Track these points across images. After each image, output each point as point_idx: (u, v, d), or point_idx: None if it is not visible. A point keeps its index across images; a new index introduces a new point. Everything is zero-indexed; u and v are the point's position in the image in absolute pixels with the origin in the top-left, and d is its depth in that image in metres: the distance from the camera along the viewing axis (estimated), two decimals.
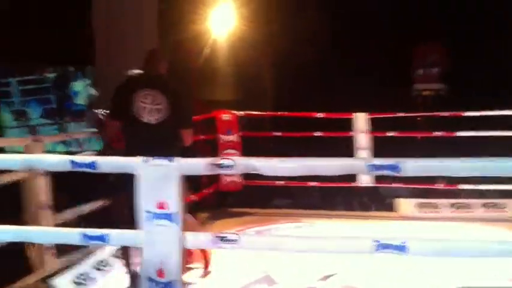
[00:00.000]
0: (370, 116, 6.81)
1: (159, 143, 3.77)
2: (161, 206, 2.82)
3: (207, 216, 6.43)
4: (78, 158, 2.79)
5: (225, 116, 7.00)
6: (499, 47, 8.94)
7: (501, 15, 9.10)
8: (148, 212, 2.83)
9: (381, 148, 6.61)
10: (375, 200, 7.59)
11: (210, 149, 7.10)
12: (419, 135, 7.48)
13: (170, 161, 2.76)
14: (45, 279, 4.13)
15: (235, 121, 7.02)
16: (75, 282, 4.31)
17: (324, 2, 9.60)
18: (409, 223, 6.37)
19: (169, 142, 3.90)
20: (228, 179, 6.89)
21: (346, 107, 6.90)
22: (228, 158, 2.72)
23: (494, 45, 9.04)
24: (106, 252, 4.71)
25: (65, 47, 9.23)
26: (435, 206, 6.74)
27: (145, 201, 2.82)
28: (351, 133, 6.84)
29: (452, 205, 6.76)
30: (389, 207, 7.04)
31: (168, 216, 2.83)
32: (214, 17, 8.68)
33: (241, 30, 8.84)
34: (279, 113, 7.70)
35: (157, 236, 2.86)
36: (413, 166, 2.68)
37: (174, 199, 2.80)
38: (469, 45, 9.19)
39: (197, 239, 2.95)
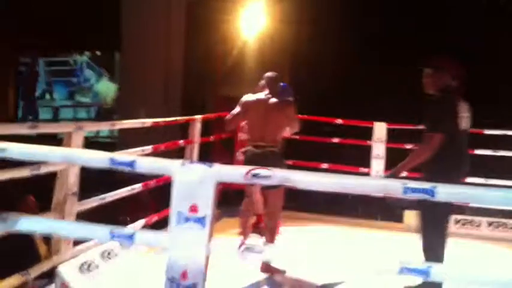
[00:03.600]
0: (389, 126, 6.85)
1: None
2: (193, 209, 2.84)
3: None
4: (118, 156, 2.81)
5: None
6: None
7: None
8: (180, 213, 2.86)
9: (395, 159, 6.65)
10: (382, 209, 7.64)
11: (223, 148, 7.18)
12: None
13: (209, 166, 2.79)
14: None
15: None
16: (80, 269, 4.36)
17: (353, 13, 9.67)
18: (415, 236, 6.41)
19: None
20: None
21: (364, 116, 6.95)
22: (266, 168, 2.75)
23: None
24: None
25: (93, 32, 9.27)
26: None
27: (179, 202, 2.84)
28: (369, 142, 6.87)
29: (458, 221, 6.80)
30: (396, 218, 7.10)
31: (198, 220, 2.85)
32: (243, 16, 8.69)
33: (269, 30, 8.87)
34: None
35: (185, 238, 2.88)
36: (448, 192, 2.71)
37: (207, 204, 2.82)
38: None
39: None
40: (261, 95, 4.91)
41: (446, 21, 9.70)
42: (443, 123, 4.02)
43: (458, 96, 4.17)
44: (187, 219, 2.86)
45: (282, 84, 5.17)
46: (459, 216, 6.81)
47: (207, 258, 2.82)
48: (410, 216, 6.82)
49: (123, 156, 2.83)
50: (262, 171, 2.77)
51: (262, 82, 5.07)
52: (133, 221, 5.28)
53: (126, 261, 4.81)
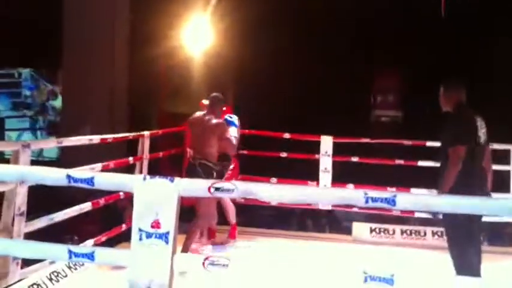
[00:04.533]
0: (335, 140, 6.94)
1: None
2: (156, 225, 2.80)
3: None
4: (75, 173, 2.73)
5: None
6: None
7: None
8: (141, 230, 2.81)
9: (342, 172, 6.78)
10: (331, 222, 7.74)
11: (169, 164, 7.13)
12: (382, 162, 7.57)
13: (171, 181, 2.75)
14: None
15: None
16: None
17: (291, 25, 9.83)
18: (363, 247, 6.54)
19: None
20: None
21: (311, 129, 7.05)
22: (229, 182, 2.74)
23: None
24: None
25: (35, 50, 9.07)
26: (389, 231, 6.91)
27: (140, 218, 2.79)
28: (317, 156, 6.94)
29: (404, 231, 6.94)
30: (345, 231, 7.20)
31: (161, 236, 2.81)
32: (187, 32, 8.67)
33: (215, 46, 8.89)
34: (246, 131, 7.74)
35: (149, 255, 2.83)
36: (408, 200, 2.77)
37: (170, 219, 2.79)
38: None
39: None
40: (202, 114, 5.47)
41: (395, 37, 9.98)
42: (463, 136, 4.12)
43: (475, 112, 4.28)
44: (149, 235, 2.81)
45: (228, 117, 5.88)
46: (404, 227, 6.95)
47: (172, 274, 2.78)
48: (358, 228, 6.97)
49: (81, 172, 2.76)
50: (225, 184, 2.76)
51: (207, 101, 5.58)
52: (81, 240, 5.14)
53: (75, 282, 4.66)
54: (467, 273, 3.83)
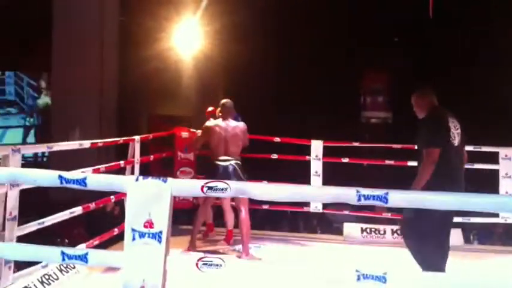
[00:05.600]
0: (325, 144, 6.96)
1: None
2: (149, 225, 2.79)
3: None
4: (68, 174, 2.72)
5: (184, 134, 7.01)
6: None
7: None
8: (134, 230, 2.80)
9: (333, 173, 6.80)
10: (322, 224, 7.75)
11: (160, 167, 7.13)
12: (372, 162, 7.59)
13: (164, 181, 2.75)
14: None
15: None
16: None
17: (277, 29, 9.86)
18: (354, 247, 6.57)
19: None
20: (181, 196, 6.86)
21: (298, 132, 7.06)
22: (221, 181, 2.74)
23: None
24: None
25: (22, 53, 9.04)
26: (380, 231, 6.94)
27: (133, 218, 2.78)
28: (308, 157, 6.95)
29: (394, 231, 6.97)
30: (336, 231, 7.22)
31: (154, 235, 2.80)
32: (177, 35, 8.66)
33: (204, 48, 8.89)
34: None
35: (142, 255, 2.82)
36: (400, 198, 2.78)
37: (163, 218, 2.78)
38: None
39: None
40: (219, 120, 5.98)
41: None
42: (436, 137, 4.23)
43: (449, 113, 4.38)
44: (142, 235, 2.80)
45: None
46: (395, 227, 6.97)
47: (165, 274, 2.77)
48: (349, 228, 6.99)
49: (73, 173, 2.75)
50: (218, 184, 2.76)
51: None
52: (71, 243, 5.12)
53: (66, 285, 4.64)
54: (429, 269, 3.94)
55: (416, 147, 4.55)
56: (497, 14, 9.65)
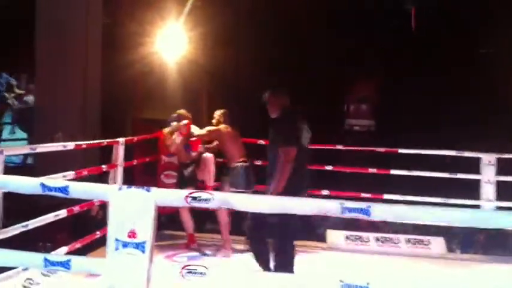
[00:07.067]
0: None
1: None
2: (132, 235, 2.78)
3: None
4: (49, 182, 2.70)
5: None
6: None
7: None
8: (117, 240, 2.79)
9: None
10: (305, 229, 7.71)
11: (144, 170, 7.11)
12: (356, 170, 7.56)
13: (147, 190, 2.73)
14: None
15: None
16: None
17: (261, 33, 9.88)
18: (338, 254, 6.56)
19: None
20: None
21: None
22: (206, 192, 2.73)
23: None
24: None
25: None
26: (363, 239, 6.95)
27: (116, 228, 2.77)
28: None
29: (378, 239, 6.99)
30: (319, 238, 7.21)
31: (138, 245, 2.79)
32: (161, 39, 8.62)
33: (189, 53, 8.87)
34: None
35: (125, 264, 2.81)
36: (382, 211, 2.80)
37: (146, 228, 2.77)
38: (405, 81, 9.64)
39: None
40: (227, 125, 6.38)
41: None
42: (293, 138, 4.47)
43: (298, 114, 4.67)
44: (125, 245, 2.79)
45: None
46: (379, 234, 6.99)
47: (148, 283, 2.76)
48: (333, 236, 6.99)
49: (55, 181, 2.73)
50: (202, 194, 2.75)
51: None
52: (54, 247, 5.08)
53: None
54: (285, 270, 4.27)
55: (268, 145, 4.72)
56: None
